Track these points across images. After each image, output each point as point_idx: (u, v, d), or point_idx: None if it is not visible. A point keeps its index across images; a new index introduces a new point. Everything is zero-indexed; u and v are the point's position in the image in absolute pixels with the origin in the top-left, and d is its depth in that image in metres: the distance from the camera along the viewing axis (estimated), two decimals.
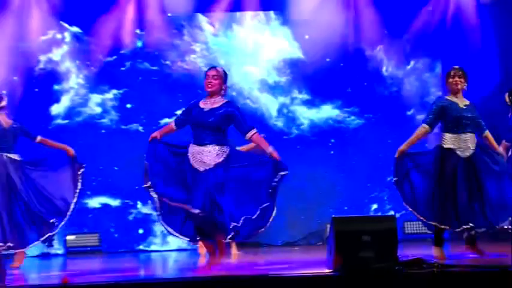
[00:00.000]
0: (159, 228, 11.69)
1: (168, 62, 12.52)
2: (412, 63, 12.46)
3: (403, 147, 8.86)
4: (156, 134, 8.18)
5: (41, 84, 12.22)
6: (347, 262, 7.16)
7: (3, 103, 9.53)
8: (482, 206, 8.59)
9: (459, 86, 8.60)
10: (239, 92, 12.41)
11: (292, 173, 11.28)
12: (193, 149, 7.99)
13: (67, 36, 12.35)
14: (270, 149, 8.09)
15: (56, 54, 12.35)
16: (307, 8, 12.19)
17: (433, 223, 8.75)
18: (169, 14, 12.41)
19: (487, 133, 8.78)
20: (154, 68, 12.55)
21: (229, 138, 8.38)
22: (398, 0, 12.31)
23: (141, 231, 12.23)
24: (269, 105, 12.47)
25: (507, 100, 9.66)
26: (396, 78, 12.46)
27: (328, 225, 7.84)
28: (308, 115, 12.62)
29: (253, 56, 12.61)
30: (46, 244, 9.51)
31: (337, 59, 12.47)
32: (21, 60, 12.08)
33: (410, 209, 8.96)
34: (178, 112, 11.70)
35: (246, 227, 8.05)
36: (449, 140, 8.65)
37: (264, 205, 7.94)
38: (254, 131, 8.14)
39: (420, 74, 12.42)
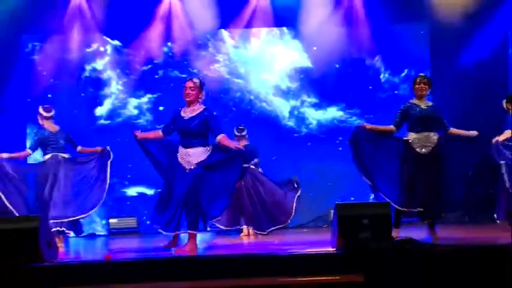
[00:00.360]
0: None
1: (195, 70, 12.46)
2: (405, 70, 12.40)
3: (370, 126, 8.74)
4: (138, 133, 8.15)
5: (86, 90, 12.33)
6: (348, 242, 7.18)
7: (52, 113, 9.61)
8: (432, 197, 8.49)
9: (423, 92, 8.56)
10: (256, 96, 12.55)
11: (303, 166, 11.46)
12: (181, 150, 8.00)
13: (109, 48, 12.49)
14: (234, 145, 8.06)
15: (99, 64, 12.52)
16: (315, 24, 12.15)
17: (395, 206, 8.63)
18: (196, 30, 12.34)
19: (452, 129, 8.68)
20: (184, 75, 12.26)
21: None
22: (391, 18, 12.14)
23: None
24: (282, 107, 12.54)
25: (504, 106, 9.47)
26: (392, 83, 12.43)
27: (332, 211, 7.81)
28: (316, 116, 12.60)
29: (268, 65, 12.66)
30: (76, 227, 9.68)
31: (341, 67, 12.42)
32: (70, 69, 12.18)
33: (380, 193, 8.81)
34: None
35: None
36: (412, 138, 8.63)
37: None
38: (222, 135, 8.00)
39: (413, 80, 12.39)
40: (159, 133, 8.27)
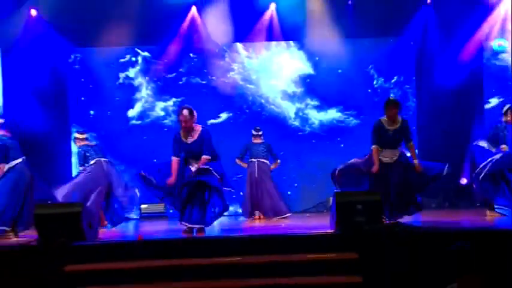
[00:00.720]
0: None
1: (214, 78, 12.50)
2: (395, 77, 12.36)
3: (375, 167, 8.46)
4: (174, 175, 8.14)
5: (120, 94, 12.38)
6: (345, 225, 7.31)
7: (86, 135, 9.98)
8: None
9: (393, 113, 8.39)
10: (266, 99, 12.53)
11: (307, 161, 11.50)
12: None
13: (139, 59, 12.48)
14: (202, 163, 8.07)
15: (131, 72, 12.54)
16: (317, 38, 12.18)
17: None
18: (214, 43, 12.32)
19: (411, 144, 8.56)
20: (204, 82, 12.51)
21: None
22: (382, 32, 12.12)
23: None
24: (288, 109, 12.49)
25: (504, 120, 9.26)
26: (384, 88, 12.39)
27: (331, 198, 8.00)
28: (318, 117, 12.49)
29: (276, 73, 12.59)
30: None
31: (339, 74, 12.37)
32: (106, 76, 12.25)
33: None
34: (223, 115, 12.33)
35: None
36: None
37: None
38: (204, 157, 8.05)
39: (402, 86, 12.33)
40: (174, 159, 8.22)
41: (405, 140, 8.59)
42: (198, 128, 8.12)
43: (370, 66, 12.43)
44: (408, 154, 8.66)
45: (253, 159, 10.97)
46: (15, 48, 11.53)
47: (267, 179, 10.93)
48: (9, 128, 8.81)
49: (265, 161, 11.00)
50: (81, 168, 9.76)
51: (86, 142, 9.88)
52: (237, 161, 11.07)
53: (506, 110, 9.24)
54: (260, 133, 11.05)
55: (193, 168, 8.15)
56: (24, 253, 7.22)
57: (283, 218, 10.70)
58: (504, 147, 9.18)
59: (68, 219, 7.28)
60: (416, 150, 9.07)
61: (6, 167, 8.59)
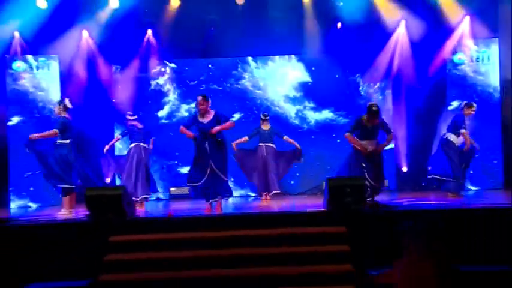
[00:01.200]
0: None
1: (228, 84, 12.41)
2: (378, 84, 12.28)
3: (356, 144, 8.58)
4: (189, 133, 8.41)
5: (152, 98, 12.37)
6: (335, 204, 7.48)
7: (135, 116, 10.18)
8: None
9: (373, 122, 8.48)
10: (271, 102, 12.39)
11: (305, 153, 11.42)
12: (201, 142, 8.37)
13: (168, 69, 12.44)
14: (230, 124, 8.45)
15: (161, 80, 12.42)
16: (313, 52, 12.17)
17: None
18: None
19: (390, 136, 8.65)
20: (220, 88, 12.40)
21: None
22: (367, 47, 12.07)
23: None
24: (290, 110, 12.41)
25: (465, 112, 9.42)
26: (368, 93, 12.29)
27: (324, 182, 7.99)
28: (314, 116, 12.41)
29: (280, 80, 12.48)
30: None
31: (331, 81, 12.27)
32: (141, 84, 12.30)
33: None
34: (236, 115, 12.23)
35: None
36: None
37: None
38: (230, 122, 8.47)
39: (383, 91, 12.27)
40: (183, 127, 8.50)
41: (386, 133, 8.69)
42: (212, 112, 8.37)
43: (357, 75, 12.36)
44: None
45: (261, 144, 10.90)
46: (71, 60, 11.62)
47: (272, 160, 10.85)
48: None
49: (272, 144, 10.95)
50: (119, 136, 10.28)
51: (134, 123, 10.11)
52: (242, 139, 10.94)
53: (463, 106, 9.50)
54: (267, 118, 10.99)
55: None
56: (78, 226, 7.45)
57: (274, 194, 10.64)
58: (463, 131, 9.28)
59: (112, 199, 7.40)
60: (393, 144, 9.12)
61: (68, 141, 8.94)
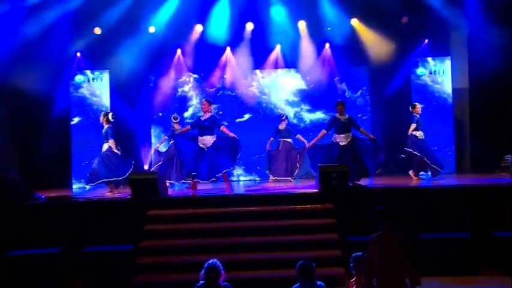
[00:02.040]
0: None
1: (240, 91, 12.28)
2: (360, 91, 12.24)
3: (313, 142, 9.01)
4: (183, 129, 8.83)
5: (179, 102, 12.33)
6: (324, 186, 7.63)
7: (178, 119, 10.47)
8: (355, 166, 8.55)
9: (340, 111, 8.80)
10: (275, 105, 12.27)
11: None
12: (200, 138, 8.66)
13: (191, 79, 12.38)
14: (231, 134, 8.63)
15: (186, 88, 12.40)
16: (308, 65, 12.12)
17: None
18: (240, 69, 12.20)
19: (362, 129, 8.82)
20: (233, 94, 12.31)
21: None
22: (352, 61, 12.06)
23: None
24: (289, 112, 12.21)
25: (410, 110, 9.60)
26: (352, 98, 12.16)
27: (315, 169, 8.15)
28: (309, 117, 12.31)
29: (281, 88, 12.38)
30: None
31: (322, 88, 12.16)
32: (171, 90, 12.32)
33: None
34: (246, 115, 12.25)
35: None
36: (337, 138, 8.80)
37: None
38: (223, 126, 8.75)
39: (364, 96, 12.18)
40: (189, 127, 8.94)
41: (356, 128, 8.82)
42: (210, 114, 8.76)
43: (343, 83, 12.23)
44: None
45: (280, 139, 10.87)
46: (119, 73, 11.74)
47: (288, 152, 10.78)
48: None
49: (289, 140, 10.87)
50: (165, 136, 10.44)
51: (176, 125, 10.31)
52: (269, 141, 10.92)
53: (411, 109, 9.71)
54: (283, 117, 10.93)
55: (205, 143, 8.58)
56: (123, 203, 7.69)
57: (288, 179, 10.62)
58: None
59: (149, 182, 7.60)
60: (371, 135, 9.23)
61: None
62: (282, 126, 11.02)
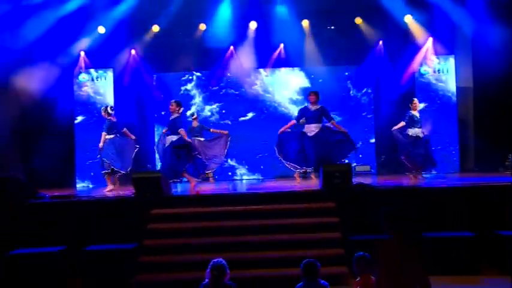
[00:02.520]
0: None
1: (243, 89, 12.37)
2: (364, 89, 12.32)
3: (282, 129, 9.21)
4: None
5: (182, 100, 11.96)
6: (328, 184, 7.58)
7: (196, 116, 10.64)
8: (320, 157, 8.77)
9: (312, 101, 8.99)
10: (278, 104, 12.30)
11: None
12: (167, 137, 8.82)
13: (194, 77, 12.51)
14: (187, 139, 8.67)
15: (189, 86, 12.51)
16: (312, 64, 12.26)
17: (294, 166, 9.04)
18: (244, 67, 12.30)
19: (333, 121, 9.07)
20: (237, 92, 12.40)
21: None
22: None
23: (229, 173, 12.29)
24: (293, 110, 12.04)
25: (410, 106, 9.53)
26: (357, 96, 12.26)
27: (321, 168, 7.99)
28: None
29: (285, 86, 12.43)
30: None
31: (327, 86, 12.01)
32: (172, 89, 12.42)
33: (282, 160, 9.14)
34: (250, 114, 12.23)
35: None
36: (306, 128, 9.03)
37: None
38: (181, 129, 8.64)
39: (368, 95, 12.28)
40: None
41: (327, 119, 9.01)
42: (177, 115, 8.80)
43: (348, 82, 12.31)
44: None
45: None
46: (123, 72, 12.02)
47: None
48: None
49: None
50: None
51: (195, 122, 10.60)
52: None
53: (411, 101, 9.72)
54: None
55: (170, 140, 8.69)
56: (126, 202, 7.67)
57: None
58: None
59: (153, 181, 7.59)
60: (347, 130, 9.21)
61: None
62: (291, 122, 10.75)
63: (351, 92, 12.41)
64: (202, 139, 10.28)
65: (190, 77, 12.62)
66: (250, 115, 12.50)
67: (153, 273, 6.52)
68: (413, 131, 9.59)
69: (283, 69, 12.52)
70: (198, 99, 12.56)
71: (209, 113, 12.53)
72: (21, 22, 10.47)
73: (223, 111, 12.53)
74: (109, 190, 9.21)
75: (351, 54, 12.14)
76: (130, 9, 11.44)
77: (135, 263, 6.59)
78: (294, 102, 12.51)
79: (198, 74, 12.62)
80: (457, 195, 7.38)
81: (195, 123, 10.78)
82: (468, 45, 11.55)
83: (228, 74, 12.47)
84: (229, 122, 12.39)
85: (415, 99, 9.97)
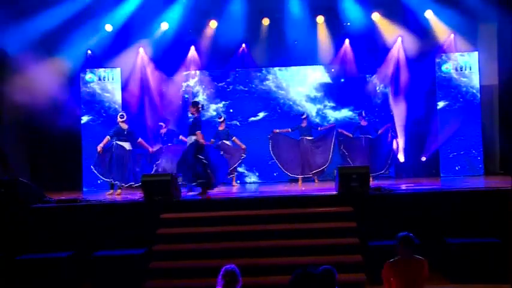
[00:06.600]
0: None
1: (253, 85, 12.36)
2: (389, 87, 12.14)
3: (277, 130, 10.68)
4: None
5: (184, 98, 12.48)
6: (344, 188, 7.64)
7: (223, 119, 10.90)
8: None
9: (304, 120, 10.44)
10: (294, 102, 12.29)
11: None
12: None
13: (197, 73, 12.49)
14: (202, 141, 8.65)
15: (192, 82, 12.53)
16: (330, 56, 12.23)
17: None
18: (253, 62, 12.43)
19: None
20: (246, 89, 12.38)
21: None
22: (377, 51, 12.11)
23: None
24: (311, 109, 12.23)
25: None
26: (384, 93, 12.14)
27: (335, 170, 8.20)
28: (334, 115, 12.20)
29: (302, 82, 12.35)
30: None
31: (350, 82, 12.17)
32: (175, 85, 12.49)
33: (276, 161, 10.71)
34: (261, 114, 12.28)
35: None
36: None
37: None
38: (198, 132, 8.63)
39: (386, 94, 12.20)
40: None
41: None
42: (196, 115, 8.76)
43: (374, 76, 12.13)
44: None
45: (301, 137, 10.91)
46: (130, 72, 12.24)
47: (307, 149, 10.87)
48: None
49: (309, 137, 10.90)
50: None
51: (221, 125, 10.80)
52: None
53: None
54: (304, 117, 10.92)
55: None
56: (135, 206, 7.85)
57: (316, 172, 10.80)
58: None
59: (162, 184, 7.71)
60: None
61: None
62: (303, 123, 11.06)
63: (377, 87, 12.24)
64: (228, 143, 10.72)
65: (193, 72, 12.54)
66: (261, 115, 12.41)
67: (163, 279, 6.72)
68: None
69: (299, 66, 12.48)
70: (201, 97, 12.47)
71: (214, 113, 12.38)
72: (22, 23, 10.78)
73: (231, 110, 12.41)
74: (109, 194, 9.52)
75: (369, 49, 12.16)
76: (137, 7, 11.71)
77: (145, 269, 6.81)
78: (312, 100, 12.41)
79: (206, 72, 12.58)
80: (483, 199, 7.43)
81: (221, 127, 10.83)
82: (493, 40, 11.57)
83: (237, 69, 12.47)
84: (238, 123, 12.33)
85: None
